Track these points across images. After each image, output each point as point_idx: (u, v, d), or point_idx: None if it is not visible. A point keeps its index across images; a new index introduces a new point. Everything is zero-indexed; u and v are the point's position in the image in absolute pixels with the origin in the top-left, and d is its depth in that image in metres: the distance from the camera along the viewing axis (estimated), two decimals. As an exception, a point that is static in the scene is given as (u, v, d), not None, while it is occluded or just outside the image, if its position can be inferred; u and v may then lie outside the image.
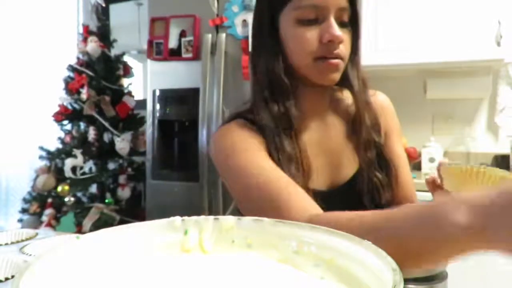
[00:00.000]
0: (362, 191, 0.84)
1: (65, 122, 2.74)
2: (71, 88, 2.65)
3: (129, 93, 2.81)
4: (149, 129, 2.37)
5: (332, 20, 0.77)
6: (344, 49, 0.79)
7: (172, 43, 2.26)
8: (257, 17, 0.87)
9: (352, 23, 0.82)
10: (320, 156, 0.86)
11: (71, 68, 2.71)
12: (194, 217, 0.47)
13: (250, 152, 0.77)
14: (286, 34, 0.81)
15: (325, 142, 0.88)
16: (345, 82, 0.85)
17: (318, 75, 0.81)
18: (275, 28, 0.83)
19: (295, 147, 0.81)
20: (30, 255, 0.66)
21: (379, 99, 0.96)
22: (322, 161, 0.86)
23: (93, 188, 2.68)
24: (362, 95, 0.88)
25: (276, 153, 0.78)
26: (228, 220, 0.47)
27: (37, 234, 0.78)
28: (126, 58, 2.88)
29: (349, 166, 0.87)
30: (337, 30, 0.76)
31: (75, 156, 2.54)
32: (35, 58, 3.46)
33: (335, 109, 0.91)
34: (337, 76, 0.81)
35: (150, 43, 2.30)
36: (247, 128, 0.82)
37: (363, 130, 0.87)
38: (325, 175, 0.86)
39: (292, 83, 0.83)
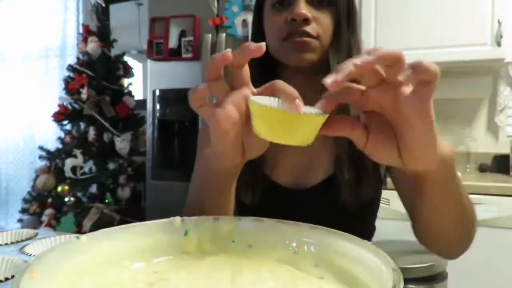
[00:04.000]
0: (331, 197, 0.76)
1: (65, 122, 2.74)
2: (71, 88, 2.65)
3: (129, 93, 2.81)
4: (149, 129, 2.37)
5: (300, 1, 0.73)
6: (317, 28, 0.74)
7: (172, 43, 2.26)
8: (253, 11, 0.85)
9: (331, 3, 0.75)
10: (292, 153, 0.79)
11: (71, 68, 2.71)
12: (194, 217, 0.47)
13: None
14: (264, 22, 0.80)
15: None
16: (324, 68, 0.74)
17: (287, 56, 0.76)
18: (260, 18, 0.81)
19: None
20: (30, 255, 0.65)
21: None
22: (293, 159, 0.80)
23: (93, 188, 2.68)
24: None
25: None
26: (228, 220, 0.47)
27: (37, 234, 0.78)
28: (126, 58, 2.88)
29: (321, 169, 0.78)
30: (301, 8, 0.72)
31: (75, 156, 2.54)
32: (35, 58, 3.46)
33: None
34: (308, 56, 0.74)
35: (150, 43, 2.30)
36: None
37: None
38: (294, 173, 0.80)
39: (274, 71, 0.80)
